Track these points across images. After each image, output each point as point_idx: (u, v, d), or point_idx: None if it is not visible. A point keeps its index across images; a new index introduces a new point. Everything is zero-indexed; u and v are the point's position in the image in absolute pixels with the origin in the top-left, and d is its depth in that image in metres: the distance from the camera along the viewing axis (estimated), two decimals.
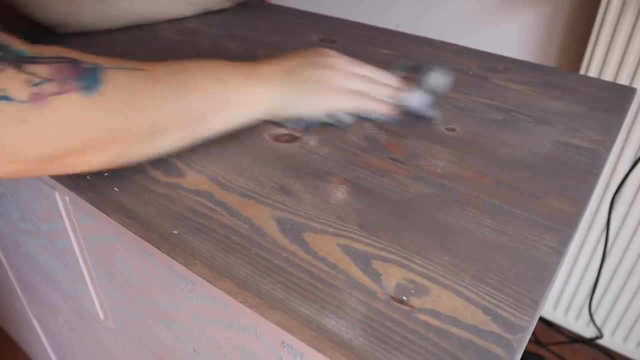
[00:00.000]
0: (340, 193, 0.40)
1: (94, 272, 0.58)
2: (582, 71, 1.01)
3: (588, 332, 1.31)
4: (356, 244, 0.35)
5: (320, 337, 0.29)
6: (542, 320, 1.38)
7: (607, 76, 0.98)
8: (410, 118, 0.51)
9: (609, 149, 0.46)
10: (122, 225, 0.39)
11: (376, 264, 0.33)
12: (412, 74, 0.54)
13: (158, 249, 0.37)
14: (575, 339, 1.34)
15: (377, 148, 0.46)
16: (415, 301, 0.31)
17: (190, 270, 0.36)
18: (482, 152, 0.45)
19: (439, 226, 0.37)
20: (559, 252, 0.34)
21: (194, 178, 0.42)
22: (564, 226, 0.37)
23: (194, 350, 0.48)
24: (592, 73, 1.00)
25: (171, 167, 0.43)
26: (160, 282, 0.46)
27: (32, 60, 0.33)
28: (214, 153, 0.45)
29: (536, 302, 0.31)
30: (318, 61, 0.49)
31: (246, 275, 0.33)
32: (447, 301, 0.31)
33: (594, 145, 0.47)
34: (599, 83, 0.59)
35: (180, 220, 0.38)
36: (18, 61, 0.32)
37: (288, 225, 0.37)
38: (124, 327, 0.60)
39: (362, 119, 0.50)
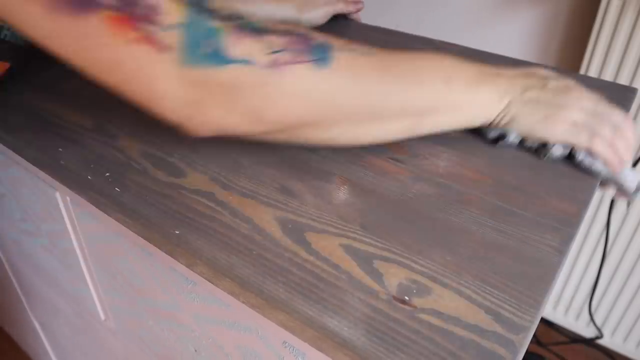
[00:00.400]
0: (341, 193, 0.40)
1: (94, 272, 0.58)
2: (582, 71, 1.01)
3: (588, 332, 1.30)
4: (358, 244, 0.35)
5: (322, 337, 0.29)
6: (542, 320, 1.38)
7: (607, 76, 0.98)
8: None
9: None
10: (123, 225, 0.40)
11: (378, 264, 0.33)
12: None
13: (159, 249, 0.37)
14: (575, 339, 1.34)
15: (379, 148, 0.46)
16: (417, 301, 0.31)
17: (191, 270, 0.36)
18: (483, 151, 0.45)
19: (440, 226, 0.37)
20: (561, 251, 0.34)
21: (195, 178, 0.42)
22: (566, 226, 0.37)
23: (195, 351, 0.48)
24: (592, 73, 1.00)
25: (172, 167, 0.43)
26: (162, 282, 0.46)
27: (267, 31, 0.35)
28: (216, 153, 0.45)
29: (538, 302, 0.31)
30: (564, 88, 0.45)
31: (248, 276, 0.33)
32: (449, 301, 0.31)
33: None
34: (599, 83, 0.59)
35: (181, 220, 0.38)
36: (256, 31, 0.34)
37: (290, 226, 0.37)
38: (124, 327, 0.60)
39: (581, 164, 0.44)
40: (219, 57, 0.33)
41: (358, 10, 0.74)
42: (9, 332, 1.31)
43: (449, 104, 0.42)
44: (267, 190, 0.40)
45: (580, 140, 0.43)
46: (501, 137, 0.45)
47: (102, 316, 0.63)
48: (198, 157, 0.44)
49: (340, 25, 0.79)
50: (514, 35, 1.10)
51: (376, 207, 0.39)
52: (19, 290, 0.91)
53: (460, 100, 0.42)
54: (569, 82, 0.46)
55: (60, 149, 0.46)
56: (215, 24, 0.33)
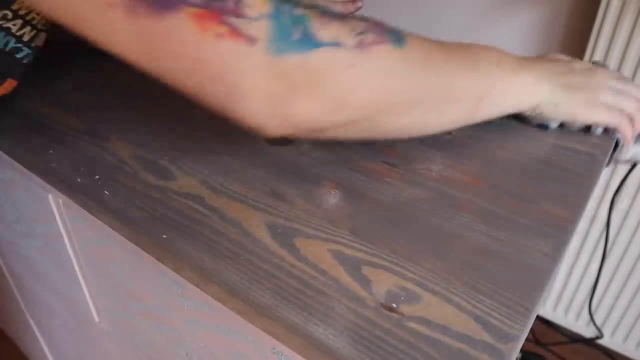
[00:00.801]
0: (332, 197, 0.40)
1: (88, 275, 0.57)
2: None
3: (588, 332, 1.30)
4: (347, 250, 0.35)
5: (308, 345, 0.29)
6: (542, 320, 1.37)
7: None
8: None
9: (607, 152, 0.46)
10: (112, 228, 0.39)
11: (367, 270, 0.33)
12: None
13: (147, 253, 0.37)
14: (575, 339, 1.33)
15: (371, 151, 0.45)
16: (405, 308, 0.30)
17: (179, 275, 0.35)
18: (477, 155, 0.45)
19: (432, 232, 0.36)
20: (554, 258, 0.34)
21: (185, 181, 0.41)
22: (560, 232, 0.36)
23: (187, 355, 0.47)
24: None
25: (162, 170, 0.43)
26: (153, 286, 0.45)
27: (347, 17, 0.36)
28: (206, 156, 0.44)
29: (528, 310, 0.30)
30: (588, 70, 0.48)
31: (235, 281, 0.33)
32: (437, 309, 0.30)
33: (592, 149, 0.46)
34: None
35: (170, 224, 0.37)
36: (339, 16, 0.35)
37: (279, 230, 0.36)
38: (118, 329, 0.60)
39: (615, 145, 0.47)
40: (310, 42, 0.33)
41: (357, 10, 0.73)
42: (6, 331, 1.31)
43: (503, 87, 0.43)
44: (257, 194, 0.40)
45: (616, 121, 0.47)
46: (543, 125, 0.48)
47: (96, 318, 0.62)
48: (188, 160, 0.44)
49: None
50: (513, 35, 1.09)
51: (367, 211, 0.38)
52: (15, 290, 0.91)
53: (513, 84, 0.44)
54: (586, 63, 0.50)
55: (51, 151, 0.46)
56: (300, 11, 0.33)
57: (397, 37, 0.37)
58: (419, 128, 0.42)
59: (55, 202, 0.52)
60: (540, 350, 1.35)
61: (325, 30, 0.34)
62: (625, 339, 1.25)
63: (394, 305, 0.30)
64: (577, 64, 0.49)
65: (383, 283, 0.32)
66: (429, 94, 0.39)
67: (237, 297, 0.32)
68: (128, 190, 0.41)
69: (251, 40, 0.31)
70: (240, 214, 0.38)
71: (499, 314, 0.30)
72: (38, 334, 0.97)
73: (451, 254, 0.34)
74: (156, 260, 0.37)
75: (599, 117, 0.47)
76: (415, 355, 0.28)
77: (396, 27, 0.38)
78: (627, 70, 0.95)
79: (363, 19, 0.36)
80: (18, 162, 0.47)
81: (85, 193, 0.41)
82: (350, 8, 0.72)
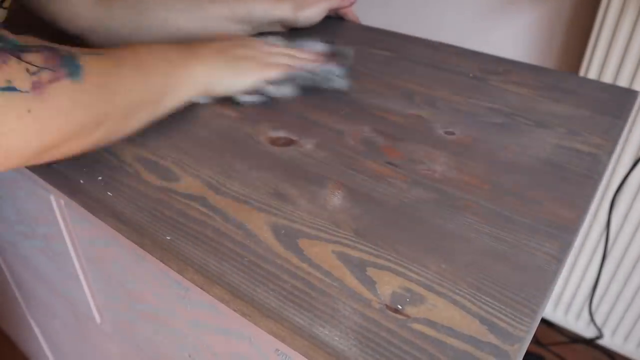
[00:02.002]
0: (336, 198, 0.39)
1: (89, 276, 0.57)
2: (581, 72, 1.00)
3: (588, 332, 1.30)
4: (351, 251, 0.35)
5: (313, 346, 0.29)
6: (542, 320, 1.37)
7: (607, 77, 0.98)
8: (323, 87, 0.55)
9: (610, 153, 0.46)
10: (115, 230, 0.39)
11: (371, 272, 0.33)
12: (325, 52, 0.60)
13: (151, 254, 0.37)
14: (575, 339, 1.33)
15: (374, 152, 0.45)
16: (410, 310, 0.30)
17: (183, 276, 0.35)
18: (481, 156, 0.45)
19: (436, 233, 0.36)
20: (559, 260, 0.34)
21: (188, 182, 0.41)
22: (564, 233, 0.36)
23: (189, 356, 0.47)
24: (592, 74, 0.99)
25: (165, 171, 0.43)
26: (155, 287, 0.45)
27: (27, 49, 0.33)
28: (209, 156, 0.44)
29: (534, 312, 0.30)
30: (244, 43, 0.56)
31: (239, 283, 0.32)
32: (443, 310, 0.30)
33: (596, 150, 0.46)
34: (600, 86, 0.58)
35: (173, 225, 0.37)
36: (17, 51, 0.33)
37: (283, 232, 0.36)
38: (120, 330, 0.59)
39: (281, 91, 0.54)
40: None
41: (352, 4, 0.73)
42: (7, 332, 1.31)
43: (177, 83, 0.47)
44: (260, 195, 0.40)
45: (277, 74, 0.53)
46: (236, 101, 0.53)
47: (98, 319, 0.62)
48: (191, 161, 0.44)
49: (340, 26, 0.78)
50: (513, 36, 1.09)
51: (371, 212, 0.38)
52: (16, 291, 0.91)
53: (184, 77, 0.48)
54: (244, 37, 0.58)
55: None
56: None
57: (72, 68, 0.36)
58: (111, 138, 0.43)
59: (57, 203, 0.52)
60: (540, 351, 1.35)
61: (1, 73, 0.31)
62: (626, 339, 1.25)
63: (399, 306, 0.30)
64: (237, 41, 0.55)
65: (388, 284, 0.32)
66: (112, 112, 0.40)
67: (241, 299, 0.32)
68: (131, 191, 0.41)
69: None
70: (243, 215, 0.38)
71: (504, 315, 0.30)
72: (39, 335, 0.97)
73: (455, 255, 0.34)
74: (159, 261, 0.37)
75: (267, 75, 0.53)
76: (421, 357, 0.28)
77: (71, 51, 0.37)
78: (627, 70, 0.95)
79: (42, 48, 0.35)
80: None
81: (88, 194, 0.41)
82: (345, 2, 0.72)
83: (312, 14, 0.68)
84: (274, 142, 0.47)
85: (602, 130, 0.49)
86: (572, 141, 0.47)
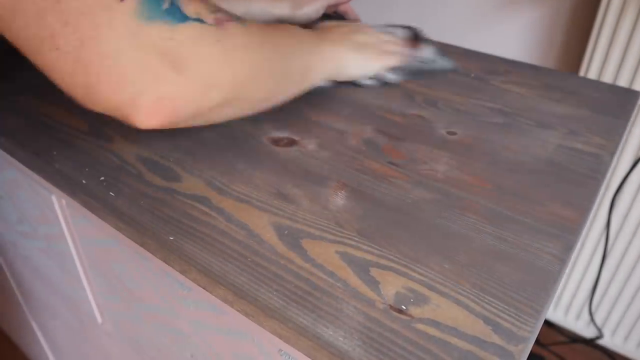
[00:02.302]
0: (338, 198, 0.40)
1: (91, 276, 0.57)
2: (582, 72, 1.00)
3: (588, 332, 1.30)
4: (355, 251, 0.35)
5: (317, 347, 0.29)
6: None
7: (607, 77, 0.98)
8: (431, 70, 0.60)
9: (612, 153, 0.46)
10: (117, 230, 0.39)
11: (375, 272, 0.33)
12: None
13: (153, 255, 0.37)
14: (575, 339, 1.33)
15: (377, 152, 0.45)
16: (414, 310, 0.30)
17: (185, 277, 0.35)
18: (483, 156, 0.45)
19: (439, 233, 0.36)
20: (562, 260, 0.34)
21: (190, 182, 0.41)
22: (567, 233, 0.36)
23: (192, 356, 0.47)
24: (592, 74, 0.99)
25: (168, 171, 0.43)
26: (158, 288, 0.45)
27: None
28: (212, 157, 0.44)
29: (538, 312, 0.30)
30: (360, 29, 0.58)
31: (242, 283, 0.32)
32: (447, 310, 0.30)
33: (597, 150, 0.46)
34: (601, 86, 0.58)
35: (176, 225, 0.37)
36: None
37: (286, 232, 0.36)
38: (121, 331, 0.59)
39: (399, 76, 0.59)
40: (178, 14, 0.33)
41: (349, 0, 0.73)
42: (7, 332, 1.31)
43: (320, 59, 0.50)
44: (263, 195, 0.40)
45: (395, 62, 0.57)
46: (356, 83, 0.57)
47: (99, 319, 0.62)
48: (193, 161, 0.44)
49: None
50: (514, 36, 1.09)
51: (373, 213, 0.38)
52: (17, 291, 0.91)
53: (321, 57, 0.50)
54: (364, 26, 0.60)
55: (55, 152, 0.45)
56: None
57: (236, 15, 0.38)
58: (274, 99, 0.46)
59: (58, 203, 0.52)
60: (540, 350, 1.35)
61: (190, 5, 0.34)
62: (626, 339, 1.25)
63: (403, 307, 0.30)
64: (352, 26, 0.58)
65: (391, 285, 0.32)
66: (276, 66, 0.43)
67: (244, 299, 0.32)
68: (133, 191, 0.40)
69: None
70: (246, 215, 0.38)
71: (508, 315, 0.30)
72: (40, 335, 0.97)
73: (459, 255, 0.34)
74: (161, 262, 0.37)
75: (387, 61, 0.57)
76: (425, 357, 0.28)
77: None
78: (627, 70, 0.95)
79: None
80: (21, 162, 0.47)
81: (90, 194, 0.41)
82: None
83: (310, 11, 0.68)
84: (277, 142, 0.47)
85: (602, 130, 0.49)
86: (573, 141, 0.47)
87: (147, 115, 0.35)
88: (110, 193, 0.40)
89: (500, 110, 0.52)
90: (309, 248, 0.35)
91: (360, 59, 0.55)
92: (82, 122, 0.49)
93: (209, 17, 0.35)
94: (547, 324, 1.37)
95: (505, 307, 0.30)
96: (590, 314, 1.26)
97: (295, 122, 0.50)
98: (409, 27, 0.64)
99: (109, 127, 0.49)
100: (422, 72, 0.60)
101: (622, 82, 0.97)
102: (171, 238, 0.36)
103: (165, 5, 0.32)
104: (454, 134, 0.48)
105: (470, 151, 0.45)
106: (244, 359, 0.40)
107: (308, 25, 0.58)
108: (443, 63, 0.62)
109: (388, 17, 1.24)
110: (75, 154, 0.45)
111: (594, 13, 0.98)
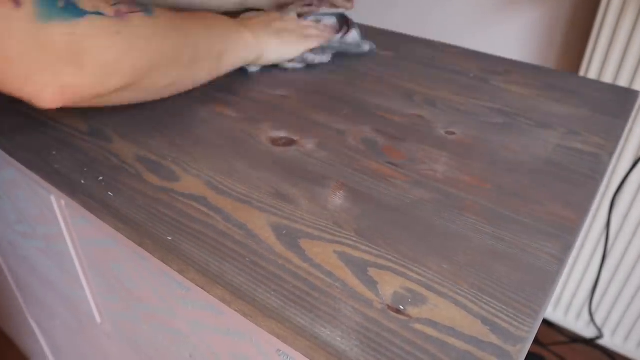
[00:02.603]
0: (337, 198, 0.39)
1: (90, 276, 0.57)
2: (582, 72, 1.00)
3: (588, 332, 1.30)
4: (353, 251, 0.34)
5: (315, 347, 0.29)
6: (542, 320, 1.37)
7: (607, 77, 0.98)
8: (351, 52, 0.66)
9: (611, 153, 0.46)
10: (116, 230, 0.39)
11: (373, 272, 0.33)
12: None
13: (152, 255, 0.37)
14: (575, 339, 1.33)
15: (375, 152, 0.45)
16: (412, 311, 0.30)
17: (184, 276, 0.35)
18: (482, 156, 0.45)
19: (437, 233, 0.36)
20: (560, 260, 0.34)
21: (189, 182, 0.41)
22: (565, 233, 0.36)
23: (190, 356, 0.47)
24: (592, 74, 0.99)
25: (166, 171, 0.43)
26: (156, 288, 0.45)
27: None
28: (210, 156, 0.44)
29: (536, 312, 0.30)
30: (281, 17, 0.62)
31: (240, 283, 0.32)
32: (444, 311, 0.30)
33: (597, 150, 0.46)
34: (600, 85, 0.58)
35: (174, 225, 0.37)
36: None
37: (284, 232, 0.36)
38: (120, 331, 0.59)
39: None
40: (74, 10, 0.35)
41: None
42: (6, 332, 1.31)
43: (235, 44, 0.53)
44: (261, 195, 0.40)
45: (315, 44, 0.62)
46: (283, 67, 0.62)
47: (98, 319, 0.62)
48: (192, 160, 0.44)
49: None
50: (514, 36, 1.09)
51: (372, 212, 0.38)
52: (16, 291, 0.91)
53: (242, 41, 0.54)
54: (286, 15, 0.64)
55: (53, 152, 0.45)
56: None
57: (144, 7, 0.40)
58: (180, 85, 0.48)
59: (57, 203, 0.52)
60: (540, 350, 1.35)
61: (87, 0, 0.36)
62: (626, 339, 1.25)
63: (401, 307, 0.30)
64: (274, 15, 0.62)
65: (389, 285, 0.32)
66: (182, 53, 0.44)
67: (242, 299, 0.32)
68: (132, 191, 0.40)
69: (17, 2, 0.32)
70: (244, 215, 0.38)
71: (506, 315, 0.30)
72: (39, 335, 0.97)
73: (457, 255, 0.34)
74: (159, 262, 0.37)
75: (308, 44, 0.61)
76: (423, 357, 0.27)
77: None
78: (627, 70, 0.95)
79: None
80: (20, 162, 0.47)
81: (89, 194, 0.41)
82: None
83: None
84: (275, 142, 0.47)
85: (602, 130, 0.49)
86: (572, 141, 0.47)
87: (51, 101, 0.37)
88: (109, 193, 0.40)
89: (499, 110, 0.52)
90: (307, 248, 0.35)
91: (280, 43, 0.59)
92: (81, 122, 0.49)
93: (109, 10, 0.37)
94: (547, 324, 1.37)
95: (503, 307, 0.30)
96: (590, 314, 1.26)
97: (294, 121, 0.50)
98: (337, 14, 0.69)
99: (107, 127, 0.49)
100: (344, 53, 0.65)
101: (622, 82, 0.96)
102: (169, 238, 0.36)
103: (61, 4, 0.34)
104: (453, 134, 0.48)
105: (470, 151, 0.45)
106: (242, 359, 0.40)
107: (231, 14, 0.61)
108: (364, 46, 0.67)
109: (388, 17, 1.24)
110: (74, 154, 0.45)
111: (594, 13, 0.98)
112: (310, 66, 0.64)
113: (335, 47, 0.65)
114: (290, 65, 0.62)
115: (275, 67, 0.62)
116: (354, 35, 0.66)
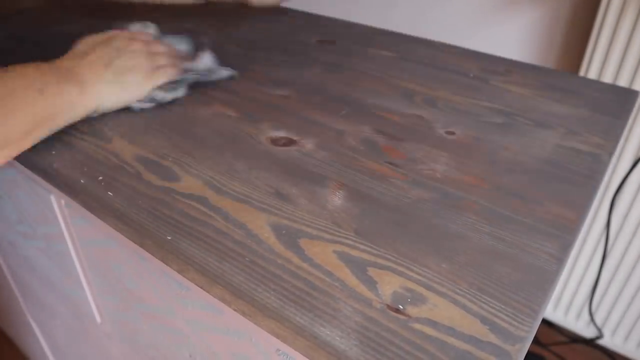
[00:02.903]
0: (337, 198, 0.39)
1: (90, 276, 0.57)
2: (582, 72, 1.00)
3: (588, 332, 1.30)
4: (352, 251, 0.34)
5: (314, 346, 0.29)
6: (542, 320, 1.37)
7: (607, 77, 0.98)
8: (208, 81, 0.58)
9: (611, 153, 0.46)
10: (116, 230, 0.39)
11: (372, 272, 0.33)
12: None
13: (152, 254, 0.37)
14: (575, 339, 1.33)
15: (375, 152, 0.45)
16: (411, 310, 0.30)
17: (183, 276, 0.35)
18: (481, 156, 0.45)
19: (437, 232, 0.36)
20: (559, 259, 0.34)
21: (189, 182, 0.41)
22: (565, 233, 0.36)
23: (190, 356, 0.47)
24: (592, 74, 0.99)
25: (166, 171, 0.43)
26: (156, 287, 0.45)
27: None
28: (210, 157, 0.44)
29: (535, 312, 0.30)
30: (120, 46, 0.52)
31: (240, 283, 0.32)
32: (444, 310, 0.30)
33: (596, 149, 0.46)
34: (600, 85, 0.58)
35: (174, 225, 0.37)
36: None
37: (284, 231, 0.36)
38: (120, 330, 0.59)
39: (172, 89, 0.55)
40: None
41: None
42: (6, 332, 1.31)
43: (49, 116, 0.44)
44: (261, 194, 0.40)
45: (165, 79, 0.53)
46: (146, 103, 0.53)
47: (98, 319, 0.62)
48: (192, 161, 0.44)
49: (340, 26, 0.78)
50: (514, 36, 1.09)
51: (371, 212, 0.38)
52: (16, 291, 0.91)
53: (59, 107, 0.44)
54: (115, 35, 0.53)
55: (53, 152, 0.45)
56: None
57: None
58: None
59: (57, 203, 0.52)
60: (540, 350, 1.35)
61: None
62: (626, 339, 1.25)
63: (401, 306, 0.30)
64: (113, 44, 0.51)
65: (389, 284, 0.32)
66: None
67: (242, 299, 0.32)
68: (132, 191, 0.40)
69: None
70: (244, 215, 0.38)
71: (505, 315, 0.30)
72: (39, 335, 0.97)
73: (456, 255, 0.34)
74: (159, 261, 0.37)
75: (157, 80, 0.52)
76: (422, 357, 0.28)
77: None
78: (627, 70, 0.95)
79: None
80: (20, 162, 0.47)
81: (89, 194, 0.41)
82: None
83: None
84: (275, 142, 0.47)
85: (602, 130, 0.49)
86: (572, 141, 0.47)
87: None
88: (109, 193, 0.40)
89: (499, 110, 0.52)
90: (306, 248, 0.35)
91: (120, 89, 0.50)
92: (81, 122, 0.49)
93: None
94: (547, 323, 1.37)
95: (503, 306, 0.30)
96: (590, 314, 1.26)
97: (294, 121, 0.50)
98: (187, 37, 0.61)
99: (107, 127, 0.49)
100: (200, 83, 0.58)
101: (622, 82, 0.96)
102: (169, 238, 0.36)
103: None
104: (452, 133, 0.48)
105: (470, 151, 0.45)
106: (242, 359, 0.40)
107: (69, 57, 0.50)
108: (221, 72, 0.59)
109: (388, 17, 1.24)
110: (74, 154, 0.45)
111: (594, 13, 0.98)
112: (235, 80, 0.59)
113: (188, 78, 0.56)
114: (137, 105, 0.52)
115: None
116: (205, 61, 0.59)
